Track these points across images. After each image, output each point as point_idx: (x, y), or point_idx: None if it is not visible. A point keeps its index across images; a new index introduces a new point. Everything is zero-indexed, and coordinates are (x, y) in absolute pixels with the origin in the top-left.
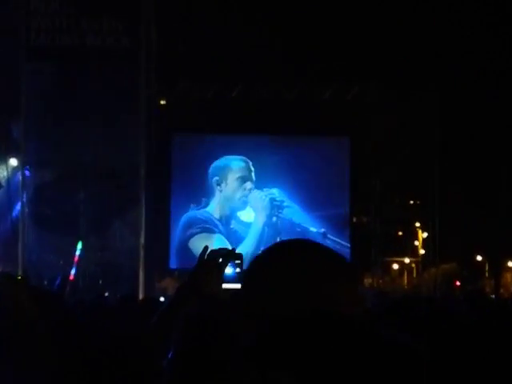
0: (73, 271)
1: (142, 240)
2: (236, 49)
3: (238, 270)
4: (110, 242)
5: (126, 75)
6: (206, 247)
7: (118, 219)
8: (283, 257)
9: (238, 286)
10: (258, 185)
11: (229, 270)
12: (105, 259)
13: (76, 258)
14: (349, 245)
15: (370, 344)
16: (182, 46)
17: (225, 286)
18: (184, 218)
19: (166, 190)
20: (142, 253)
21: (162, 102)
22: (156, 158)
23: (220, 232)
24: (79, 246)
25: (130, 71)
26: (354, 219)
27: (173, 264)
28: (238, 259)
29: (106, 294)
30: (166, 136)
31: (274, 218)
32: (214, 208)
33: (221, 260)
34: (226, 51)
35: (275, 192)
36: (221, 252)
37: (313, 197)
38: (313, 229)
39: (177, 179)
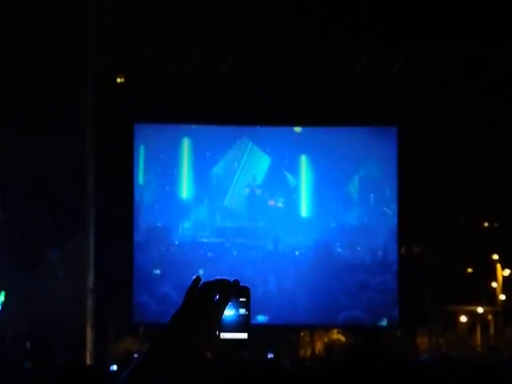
0: None
1: (91, 282)
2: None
3: (242, 311)
4: (43, 285)
5: (65, 39)
6: (198, 278)
7: (55, 252)
8: None
9: (242, 335)
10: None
11: (229, 312)
12: (34, 312)
13: None
14: (395, 286)
15: None
16: None
17: (223, 335)
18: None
19: (126, 207)
20: (90, 301)
21: (119, 80)
22: (110, 161)
23: None
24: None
25: (70, 32)
26: (402, 250)
27: (137, 317)
28: (243, 296)
29: (26, 366)
30: (124, 128)
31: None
32: None
33: (218, 297)
34: (212, 4)
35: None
36: (218, 285)
37: (338, 219)
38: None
39: (143, 190)
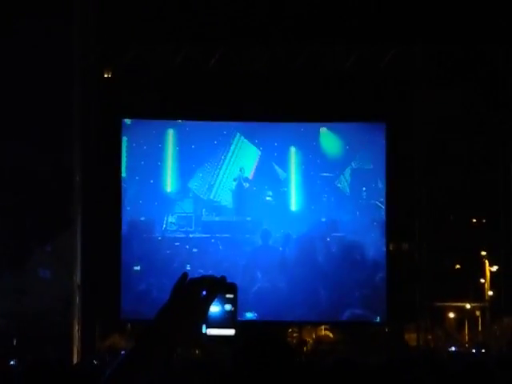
0: None
1: (78, 279)
2: None
3: (229, 307)
4: (29, 282)
5: (51, 37)
6: (185, 274)
7: (41, 248)
8: None
9: (229, 331)
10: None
11: (216, 309)
12: (21, 309)
13: None
14: (385, 283)
15: None
16: None
17: (210, 331)
18: None
19: (113, 203)
20: (77, 298)
21: (107, 75)
22: (98, 156)
23: None
24: None
25: (57, 30)
26: (391, 247)
27: (126, 312)
28: (229, 292)
29: (12, 362)
30: (110, 124)
31: None
32: None
33: (205, 293)
34: (199, 1)
35: None
36: (205, 281)
37: (328, 214)
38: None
39: (130, 185)
